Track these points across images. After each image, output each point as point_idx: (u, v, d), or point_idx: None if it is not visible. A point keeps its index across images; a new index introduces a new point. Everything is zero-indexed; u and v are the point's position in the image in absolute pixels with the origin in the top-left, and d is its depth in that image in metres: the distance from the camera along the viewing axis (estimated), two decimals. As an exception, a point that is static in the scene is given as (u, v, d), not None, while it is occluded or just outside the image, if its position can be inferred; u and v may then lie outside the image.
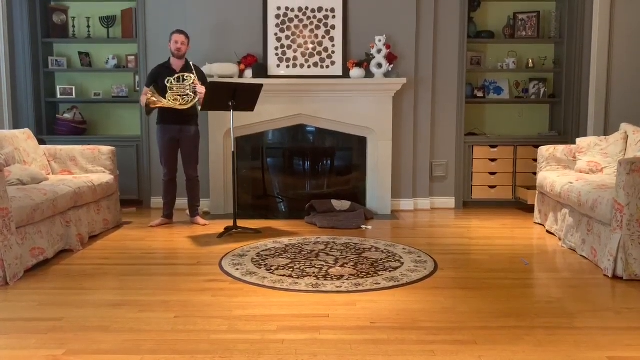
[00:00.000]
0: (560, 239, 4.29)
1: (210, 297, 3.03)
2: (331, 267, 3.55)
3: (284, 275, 3.38)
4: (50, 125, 5.80)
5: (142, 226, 4.90)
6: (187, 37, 4.79)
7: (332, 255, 3.84)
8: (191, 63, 4.75)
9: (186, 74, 4.69)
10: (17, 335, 2.52)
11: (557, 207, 4.46)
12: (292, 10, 5.41)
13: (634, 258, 3.31)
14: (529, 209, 5.37)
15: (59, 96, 5.81)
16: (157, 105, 4.64)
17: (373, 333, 2.52)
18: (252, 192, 5.76)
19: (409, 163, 5.63)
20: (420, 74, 5.57)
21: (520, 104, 6.03)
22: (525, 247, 4.22)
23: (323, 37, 5.42)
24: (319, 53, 5.43)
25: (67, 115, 5.79)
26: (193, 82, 4.67)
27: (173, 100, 4.64)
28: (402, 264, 3.64)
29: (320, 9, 5.41)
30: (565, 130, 5.78)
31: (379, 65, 5.28)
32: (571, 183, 4.19)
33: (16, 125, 5.55)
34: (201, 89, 4.63)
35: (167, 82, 4.64)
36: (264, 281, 3.27)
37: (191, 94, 4.66)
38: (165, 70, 4.76)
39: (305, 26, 5.42)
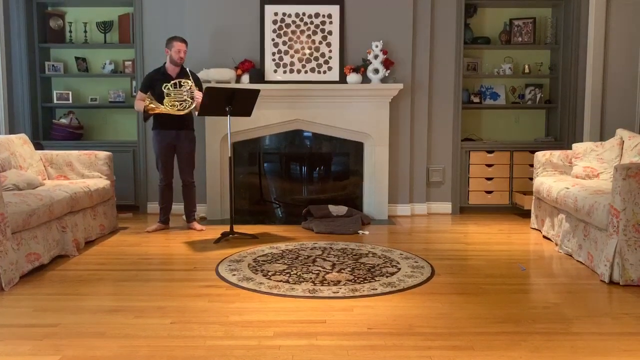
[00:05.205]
0: (556, 244, 4.30)
1: (207, 302, 3.02)
2: (328, 273, 3.54)
3: (280, 281, 3.37)
4: (47, 131, 5.79)
5: (139, 231, 4.89)
6: (187, 45, 4.80)
7: (329, 261, 3.84)
8: (187, 69, 4.75)
9: (183, 80, 4.69)
10: (12, 341, 2.50)
11: (554, 213, 4.47)
12: (289, 15, 5.42)
13: (630, 263, 3.32)
14: (526, 215, 5.38)
15: (55, 101, 5.80)
16: (156, 112, 4.64)
17: (370, 339, 2.52)
18: (249, 197, 5.75)
19: (405, 168, 5.63)
20: (417, 80, 5.58)
21: (516, 109, 6.05)
22: (522, 252, 4.22)
23: (320, 42, 5.43)
24: (316, 58, 5.44)
25: (63, 121, 5.78)
26: (190, 88, 4.67)
27: (170, 106, 4.64)
28: (399, 269, 3.64)
29: (317, 15, 5.42)
30: (562, 135, 5.80)
31: (376, 71, 5.29)
32: (567, 188, 4.20)
33: (12, 130, 5.54)
34: (198, 95, 4.64)
35: (165, 88, 4.63)
36: (261, 287, 3.26)
37: (189, 99, 4.67)
38: (161, 76, 4.75)
39: (302, 32, 5.43)
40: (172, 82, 4.67)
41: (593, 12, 5.41)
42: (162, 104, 4.64)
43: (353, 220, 5.07)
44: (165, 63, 4.81)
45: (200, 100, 4.56)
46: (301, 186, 5.80)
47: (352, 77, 5.31)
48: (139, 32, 5.59)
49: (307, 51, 5.44)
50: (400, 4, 5.42)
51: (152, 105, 4.61)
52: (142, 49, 5.60)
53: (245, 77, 5.31)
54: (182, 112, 4.65)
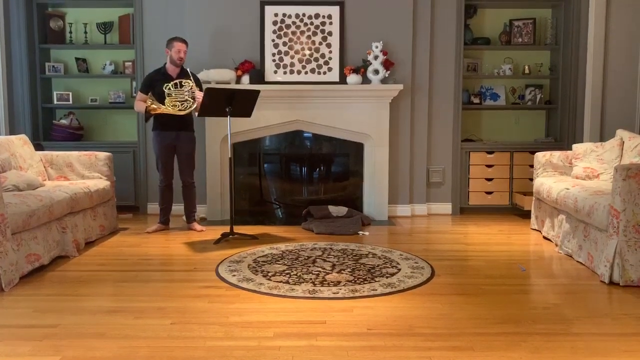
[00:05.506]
0: (556, 245, 4.29)
1: (207, 303, 3.01)
2: (328, 274, 3.54)
3: (280, 282, 3.37)
4: (47, 131, 5.79)
5: (139, 232, 4.89)
6: (187, 45, 4.80)
7: (329, 262, 3.84)
8: (187, 69, 4.76)
9: (184, 80, 4.69)
10: (12, 342, 2.50)
11: (554, 213, 4.46)
12: (289, 16, 5.42)
13: (630, 264, 3.32)
14: (526, 215, 5.38)
15: (55, 102, 5.80)
16: (157, 112, 4.64)
17: (370, 339, 2.52)
18: (249, 198, 5.75)
19: (405, 169, 5.63)
20: (417, 80, 5.58)
21: (516, 110, 6.05)
22: (522, 253, 4.22)
23: (320, 43, 5.43)
24: (316, 59, 5.44)
25: (63, 121, 5.78)
26: (191, 88, 4.67)
27: (172, 106, 4.64)
28: (399, 270, 3.64)
29: (317, 16, 5.42)
30: (562, 136, 5.79)
31: (376, 72, 5.29)
32: (567, 189, 4.20)
33: (12, 131, 5.54)
34: (199, 95, 4.64)
35: (166, 88, 4.64)
36: (261, 287, 3.26)
37: (190, 99, 4.67)
38: (161, 76, 4.75)
39: (302, 32, 5.43)
40: (172, 82, 4.68)
41: (593, 13, 5.41)
42: (163, 104, 4.64)
43: (353, 221, 5.07)
44: (165, 64, 4.81)
45: (201, 100, 4.56)
46: (301, 187, 5.80)
47: (352, 78, 5.31)
48: (139, 32, 5.59)
49: (307, 52, 5.44)
50: (400, 4, 5.43)
51: (153, 106, 4.61)
52: (142, 50, 5.60)
53: (245, 78, 5.31)
54: (183, 112, 4.66)
